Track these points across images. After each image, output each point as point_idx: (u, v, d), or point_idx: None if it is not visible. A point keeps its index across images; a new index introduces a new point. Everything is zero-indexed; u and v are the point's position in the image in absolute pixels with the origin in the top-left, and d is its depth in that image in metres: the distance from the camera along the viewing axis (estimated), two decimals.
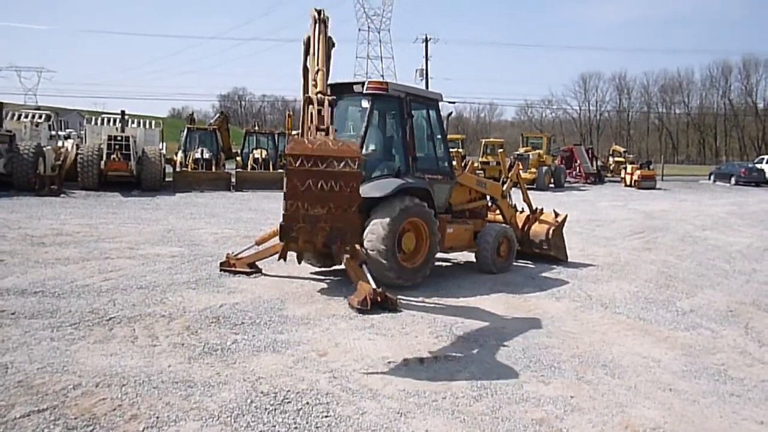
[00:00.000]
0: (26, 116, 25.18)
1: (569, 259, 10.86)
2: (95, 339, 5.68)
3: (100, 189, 21.04)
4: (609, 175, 40.47)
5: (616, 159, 41.98)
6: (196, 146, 26.34)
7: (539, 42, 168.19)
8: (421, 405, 4.46)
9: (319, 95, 6.61)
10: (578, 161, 37.95)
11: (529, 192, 11.72)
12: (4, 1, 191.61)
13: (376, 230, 7.83)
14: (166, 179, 24.21)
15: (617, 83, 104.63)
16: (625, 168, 36.33)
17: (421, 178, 8.47)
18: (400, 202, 7.98)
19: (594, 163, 38.65)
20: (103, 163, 20.99)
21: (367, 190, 8.01)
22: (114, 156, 21.06)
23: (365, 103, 8.38)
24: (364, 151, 8.30)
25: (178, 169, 25.28)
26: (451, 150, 30.16)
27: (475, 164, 32.33)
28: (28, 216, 14.20)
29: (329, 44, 7.51)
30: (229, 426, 4.01)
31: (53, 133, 25.96)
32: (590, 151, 40.38)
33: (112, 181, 21.66)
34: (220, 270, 8.85)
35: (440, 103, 9.18)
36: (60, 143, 24.26)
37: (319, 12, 7.67)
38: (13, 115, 24.93)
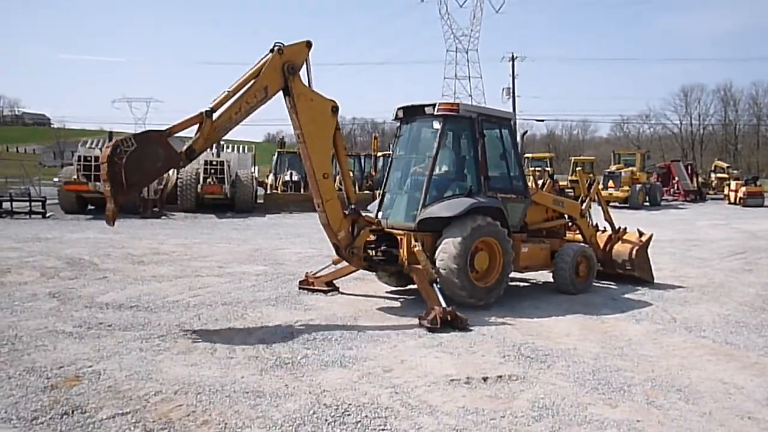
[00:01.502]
0: None
1: (656, 281, 10.40)
2: (179, 350, 6.10)
3: (197, 211, 22.41)
4: (711, 192, 38.21)
5: (719, 175, 39.53)
6: (286, 169, 27.43)
7: (635, 56, 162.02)
8: (478, 423, 4.48)
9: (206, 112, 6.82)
10: (676, 178, 36.15)
11: (622, 211, 11.38)
12: (118, 39, 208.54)
13: (447, 249, 7.90)
14: (258, 201, 25.37)
15: (722, 95, 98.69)
16: (729, 184, 34.15)
17: (494, 197, 8.47)
18: (472, 221, 8.01)
19: (694, 179, 36.64)
20: (199, 186, 22.33)
21: (439, 210, 8.13)
22: (210, 180, 22.39)
23: (437, 125, 8.51)
24: (436, 171, 8.43)
25: (268, 192, 26.40)
26: (537, 168, 29.64)
27: (563, 183, 31.57)
28: (131, 236, 15.35)
29: (257, 79, 7.25)
30: None
31: None
32: (690, 167, 38.32)
33: (208, 204, 22.99)
34: (299, 288, 9.21)
35: (512, 122, 9.17)
36: None
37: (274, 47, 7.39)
38: None
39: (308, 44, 7.63)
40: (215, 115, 6.94)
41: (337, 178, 9.61)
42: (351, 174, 28.63)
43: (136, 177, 6.53)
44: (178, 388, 5.03)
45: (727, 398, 5.13)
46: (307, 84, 7.65)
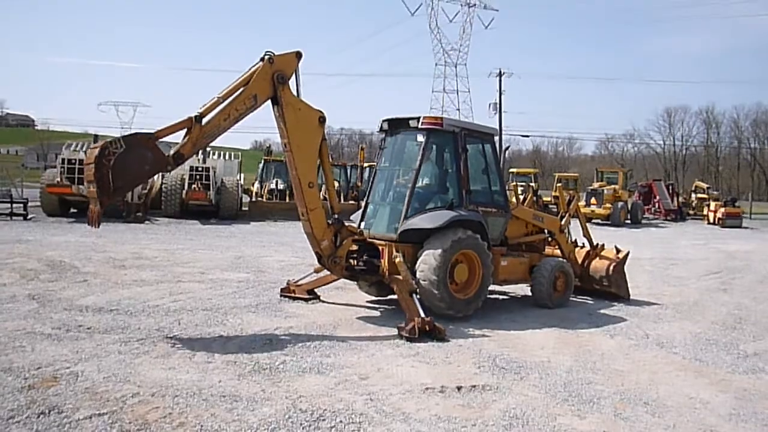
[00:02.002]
0: None
1: (633, 297, 10.59)
2: (158, 354, 6.14)
3: (182, 217, 22.36)
4: (691, 212, 38.79)
5: (699, 195, 40.17)
6: (271, 177, 27.47)
7: (621, 75, 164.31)
8: (449, 430, 4.58)
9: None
10: (657, 197, 36.67)
11: (604, 228, 11.58)
12: (104, 42, 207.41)
13: (428, 261, 8.03)
14: (243, 209, 25.36)
15: (705, 117, 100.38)
16: (709, 205, 34.73)
17: (475, 210, 8.62)
18: (453, 234, 8.15)
19: (675, 199, 37.19)
20: (184, 192, 22.30)
21: (421, 222, 8.26)
22: (195, 186, 22.36)
23: (420, 138, 8.66)
24: (419, 183, 8.57)
25: (253, 199, 26.41)
26: (521, 183, 29.95)
27: (547, 198, 31.86)
28: (113, 241, 15.30)
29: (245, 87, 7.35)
30: None
31: None
32: (671, 187, 38.92)
33: (192, 210, 22.94)
34: (281, 296, 9.27)
35: (495, 137, 9.36)
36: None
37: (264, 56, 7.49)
38: None
39: (298, 55, 7.76)
40: (204, 121, 7.03)
41: (322, 187, 9.69)
42: (337, 184, 28.90)
43: (122, 180, 6.56)
44: (155, 391, 5.08)
45: (692, 412, 5.29)
46: (295, 94, 7.76)
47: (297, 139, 7.81)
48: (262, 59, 7.46)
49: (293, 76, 7.73)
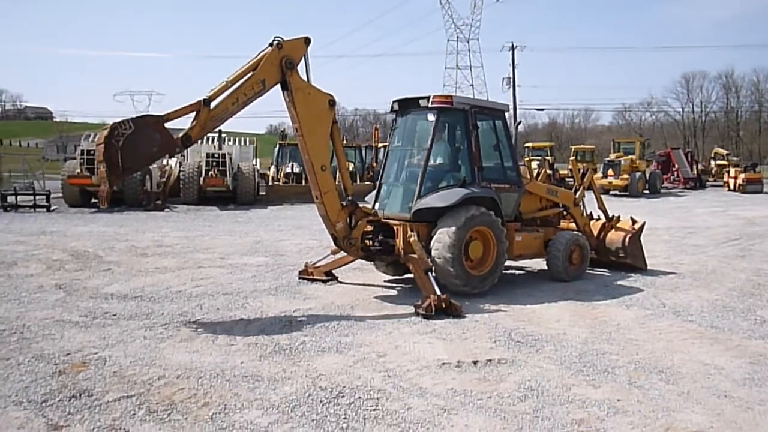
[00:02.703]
0: None
1: (650, 268, 10.59)
2: (181, 338, 6.34)
3: (200, 203, 22.64)
4: (711, 179, 38.30)
5: (719, 162, 39.62)
6: (287, 161, 27.61)
7: (636, 44, 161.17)
8: (465, 403, 4.71)
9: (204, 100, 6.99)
10: (676, 166, 36.22)
11: (621, 199, 11.55)
12: (119, 33, 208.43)
13: (442, 239, 8.11)
14: (260, 193, 25.58)
15: (724, 82, 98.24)
16: (728, 171, 34.25)
17: (488, 187, 8.66)
18: (466, 211, 8.21)
19: (694, 167, 36.72)
20: (202, 179, 22.55)
21: (433, 200, 8.33)
22: (212, 173, 22.60)
23: (431, 117, 8.70)
24: (431, 162, 8.63)
25: (270, 184, 26.61)
26: (536, 158, 29.73)
27: (564, 172, 31.55)
28: (134, 230, 15.59)
29: (253, 73, 7.40)
30: (286, 415, 4.46)
31: None
32: (689, 155, 38.39)
33: (210, 196, 23.21)
34: (299, 278, 9.44)
35: (506, 113, 9.35)
36: (165, 162, 26.26)
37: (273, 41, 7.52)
38: None
39: (307, 40, 7.80)
40: (213, 104, 7.12)
41: (336, 170, 9.78)
42: (352, 165, 28.96)
43: (131, 160, 6.68)
44: (180, 373, 5.27)
45: (707, 378, 5.35)
46: (305, 78, 7.81)
47: (308, 123, 7.88)
48: (271, 44, 7.52)
49: (302, 61, 7.78)
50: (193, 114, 7.07)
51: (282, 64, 7.53)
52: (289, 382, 5.10)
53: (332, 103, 8.05)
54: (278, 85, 7.67)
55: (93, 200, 22.25)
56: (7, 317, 7.07)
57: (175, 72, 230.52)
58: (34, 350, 5.88)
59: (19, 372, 5.28)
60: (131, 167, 6.91)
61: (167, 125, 6.92)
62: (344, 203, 8.27)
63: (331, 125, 8.11)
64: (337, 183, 8.42)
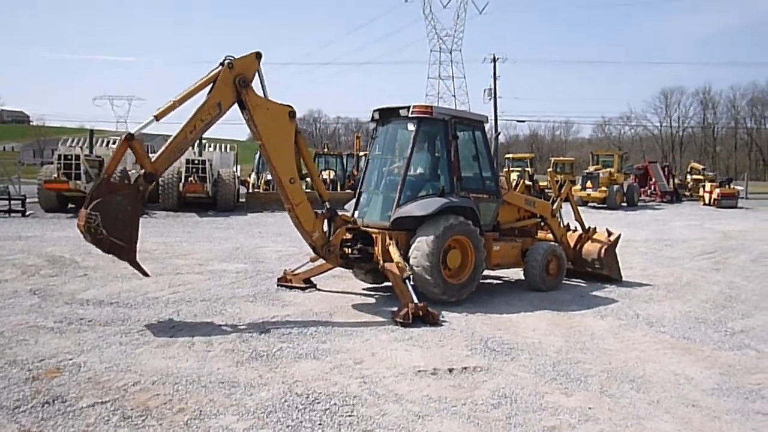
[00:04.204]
0: (114, 142, 27.23)
1: (625, 279, 10.77)
2: (158, 344, 6.31)
3: (179, 209, 22.48)
4: (687, 193, 38.93)
5: (695, 177, 40.31)
6: (267, 168, 27.53)
7: (616, 58, 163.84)
8: (440, 410, 4.76)
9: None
10: (653, 179, 36.79)
11: (600, 211, 11.73)
12: (98, 37, 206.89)
13: (420, 247, 8.18)
14: (240, 200, 25.47)
15: (701, 98, 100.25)
16: (704, 186, 34.89)
17: (466, 197, 8.76)
18: (445, 220, 8.30)
19: (671, 181, 37.32)
20: (181, 185, 22.41)
21: (412, 209, 8.41)
22: (191, 179, 22.47)
23: (411, 126, 8.79)
24: (410, 171, 8.70)
25: (250, 191, 26.51)
26: (516, 169, 30.01)
27: (544, 183, 31.86)
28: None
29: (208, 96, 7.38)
30: (261, 420, 4.47)
31: None
32: (666, 169, 39.01)
33: (190, 202, 23.06)
34: (278, 285, 9.43)
35: (485, 124, 9.49)
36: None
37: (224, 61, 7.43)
38: (103, 141, 27.02)
39: (258, 55, 7.62)
40: (172, 136, 7.12)
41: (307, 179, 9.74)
42: (333, 173, 29.01)
43: (123, 231, 6.72)
44: (156, 379, 5.25)
45: (677, 388, 5.47)
46: (262, 94, 7.69)
47: (271, 139, 7.80)
48: (222, 64, 7.39)
49: (257, 77, 7.63)
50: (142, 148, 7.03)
51: (236, 84, 7.40)
52: (266, 388, 5.11)
53: (292, 114, 7.94)
54: (235, 105, 7.56)
55: (70, 205, 22.03)
56: None
57: (156, 77, 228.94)
58: (7, 356, 5.80)
59: None
60: (129, 236, 6.85)
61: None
62: (321, 212, 8.29)
63: (295, 136, 8.02)
64: (309, 191, 8.34)
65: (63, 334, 6.60)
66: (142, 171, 6.99)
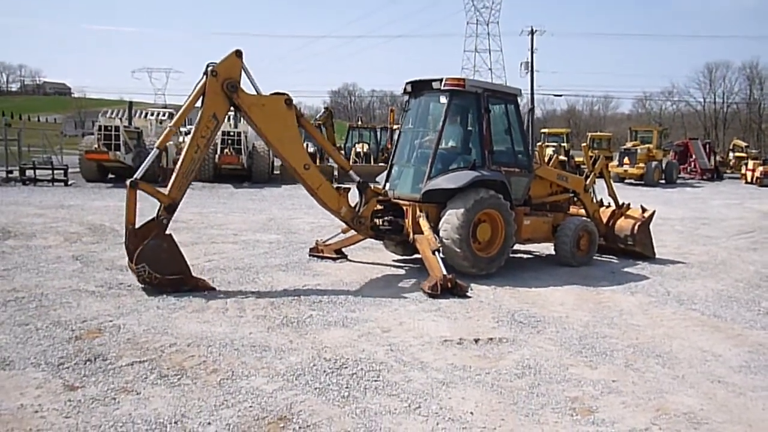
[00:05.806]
0: (152, 114, 27.75)
1: (658, 257, 10.63)
2: (193, 309, 6.54)
3: (215, 181, 22.89)
4: (729, 171, 37.89)
5: (737, 154, 39.14)
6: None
7: (659, 32, 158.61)
8: (464, 378, 4.86)
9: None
10: (694, 156, 35.87)
11: (637, 188, 11.55)
12: (138, 9, 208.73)
13: (450, 220, 8.22)
14: (274, 172, 25.76)
15: (748, 73, 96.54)
16: (746, 164, 33.87)
17: (498, 170, 8.74)
18: (475, 194, 8.31)
19: (711, 158, 36.34)
20: (217, 157, 22.76)
21: (443, 182, 8.44)
22: (227, 150, 22.79)
23: (443, 99, 8.77)
24: (442, 144, 8.71)
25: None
26: (552, 144, 29.58)
27: (579, 159, 31.28)
28: (151, 205, 15.77)
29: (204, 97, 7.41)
30: (290, 382, 4.64)
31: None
32: (707, 146, 37.97)
33: (225, 174, 23.43)
34: (310, 255, 9.61)
35: (518, 98, 9.40)
36: (181, 138, 26.49)
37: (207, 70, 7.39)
38: (141, 113, 27.54)
39: (238, 53, 7.51)
40: (179, 162, 7.37)
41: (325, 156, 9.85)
42: (367, 146, 29.03)
43: (174, 266, 7.10)
44: (191, 342, 5.47)
45: (703, 364, 5.45)
46: (253, 91, 7.65)
47: (274, 133, 7.84)
48: (206, 73, 7.33)
49: (243, 75, 7.55)
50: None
51: (225, 90, 7.35)
52: (295, 353, 5.28)
53: (289, 102, 7.87)
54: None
55: (110, 175, 22.62)
56: (26, 285, 7.31)
57: (193, 49, 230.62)
58: (51, 317, 6.10)
59: (38, 336, 5.50)
60: (180, 266, 7.20)
61: None
62: (342, 187, 8.46)
63: (299, 120, 8.02)
64: (330, 165, 8.36)
65: (104, 297, 6.88)
66: (161, 207, 7.30)
